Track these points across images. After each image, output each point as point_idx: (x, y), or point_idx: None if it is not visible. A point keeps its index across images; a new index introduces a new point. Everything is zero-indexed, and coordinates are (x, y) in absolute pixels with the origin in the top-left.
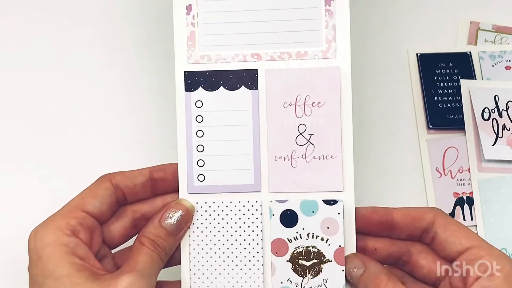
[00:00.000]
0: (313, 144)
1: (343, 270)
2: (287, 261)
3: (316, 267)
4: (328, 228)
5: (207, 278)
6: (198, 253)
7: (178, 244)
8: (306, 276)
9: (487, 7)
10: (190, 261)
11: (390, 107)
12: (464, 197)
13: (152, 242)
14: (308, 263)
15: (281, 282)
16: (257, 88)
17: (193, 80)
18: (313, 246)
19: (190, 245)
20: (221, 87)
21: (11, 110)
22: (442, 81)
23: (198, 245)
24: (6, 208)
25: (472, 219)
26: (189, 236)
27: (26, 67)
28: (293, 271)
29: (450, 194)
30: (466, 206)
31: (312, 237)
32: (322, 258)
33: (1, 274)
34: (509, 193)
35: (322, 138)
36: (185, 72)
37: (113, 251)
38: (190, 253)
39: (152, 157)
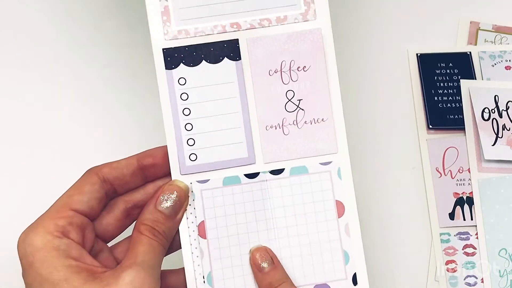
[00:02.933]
0: (303, 109)
1: None
2: None
3: None
4: None
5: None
6: (202, 233)
7: (177, 227)
8: None
9: (487, 7)
10: (191, 244)
11: (390, 107)
12: (464, 197)
13: (151, 229)
14: None
15: None
16: (240, 59)
17: (173, 57)
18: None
19: (189, 227)
20: (203, 61)
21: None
22: (442, 81)
23: (201, 226)
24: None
25: (472, 219)
26: (187, 218)
27: (16, 67)
28: None
29: (450, 194)
30: (466, 206)
31: None
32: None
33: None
34: (509, 193)
35: (312, 102)
36: (163, 49)
37: (110, 243)
38: (190, 235)
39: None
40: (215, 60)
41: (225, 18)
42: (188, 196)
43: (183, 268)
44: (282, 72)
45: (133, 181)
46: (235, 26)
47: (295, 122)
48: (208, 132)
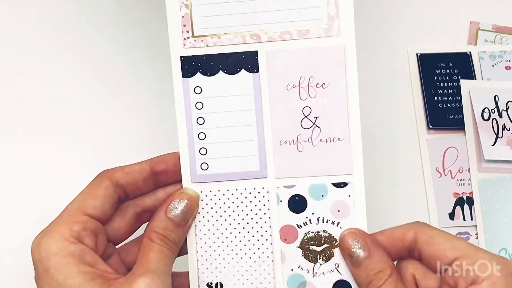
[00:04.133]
0: (319, 127)
1: None
2: (297, 247)
3: (328, 252)
4: (338, 211)
5: (216, 268)
6: (205, 242)
7: (186, 235)
8: (317, 261)
9: (487, 7)
10: (197, 251)
11: (390, 107)
12: (464, 197)
13: (161, 236)
14: (319, 248)
15: (292, 270)
16: (258, 71)
17: (190, 65)
18: (323, 231)
19: (196, 235)
20: (220, 71)
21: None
22: (442, 81)
23: (205, 234)
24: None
25: (472, 219)
26: (195, 226)
27: (25, 67)
28: (304, 258)
29: (450, 194)
30: (466, 206)
31: (323, 222)
32: (334, 242)
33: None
34: (509, 193)
35: (328, 120)
36: (181, 57)
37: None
38: (197, 243)
39: (152, 148)
40: (232, 71)
41: (245, 29)
42: (198, 205)
43: (187, 272)
44: (300, 88)
45: (145, 186)
46: (255, 38)
47: (310, 140)
48: (221, 143)
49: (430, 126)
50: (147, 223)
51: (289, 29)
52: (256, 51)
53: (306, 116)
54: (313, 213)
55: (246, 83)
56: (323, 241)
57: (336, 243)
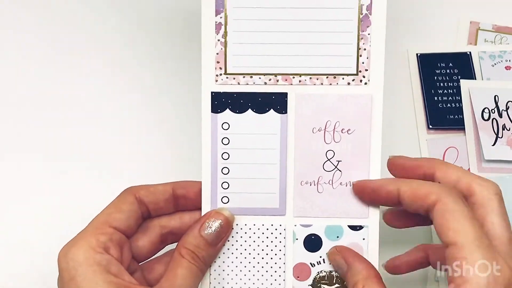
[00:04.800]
0: (340, 171)
1: None
2: (309, 285)
3: None
4: None
5: None
6: (219, 274)
7: (217, 255)
8: None
9: (487, 7)
10: (210, 282)
11: (390, 107)
12: None
13: (192, 253)
14: None
15: None
16: (286, 112)
17: (220, 102)
18: (336, 271)
19: (211, 266)
20: (249, 109)
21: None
22: (442, 81)
23: (219, 266)
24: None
25: None
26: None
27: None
28: None
29: None
30: None
31: None
32: (345, 282)
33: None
34: (509, 193)
35: (350, 165)
36: (212, 92)
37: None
38: (210, 274)
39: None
40: (261, 110)
41: (277, 70)
42: (232, 226)
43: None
44: (326, 132)
45: (166, 207)
46: (285, 80)
47: (330, 182)
48: (243, 179)
49: (430, 126)
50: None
51: (320, 75)
52: (286, 93)
53: (329, 159)
54: (327, 253)
55: (274, 123)
56: (334, 281)
57: None
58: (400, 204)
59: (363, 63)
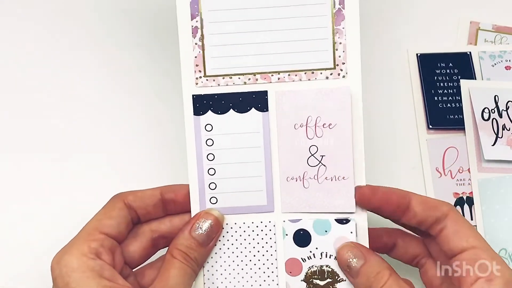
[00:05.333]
0: (324, 165)
1: None
2: (301, 280)
3: (330, 287)
4: None
5: None
6: (213, 274)
7: (208, 255)
8: None
9: (487, 7)
10: (204, 283)
11: (390, 107)
12: (464, 197)
13: (184, 254)
14: (322, 283)
15: None
16: (267, 110)
17: (202, 104)
18: (326, 266)
19: (204, 267)
20: (231, 110)
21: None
22: (442, 81)
23: (212, 266)
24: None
25: (472, 219)
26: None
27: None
28: None
29: (450, 194)
30: (466, 206)
31: (326, 256)
32: (336, 277)
33: None
34: (509, 193)
35: (334, 159)
36: (193, 95)
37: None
38: (204, 275)
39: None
40: (242, 109)
41: (256, 69)
42: (222, 226)
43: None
44: (308, 127)
45: (155, 212)
46: (265, 78)
47: (315, 177)
48: (230, 178)
49: (430, 126)
50: (163, 248)
51: (298, 71)
52: (266, 91)
53: (312, 155)
54: (317, 248)
55: (256, 122)
56: (326, 276)
57: (339, 278)
58: (403, 216)
59: (339, 56)
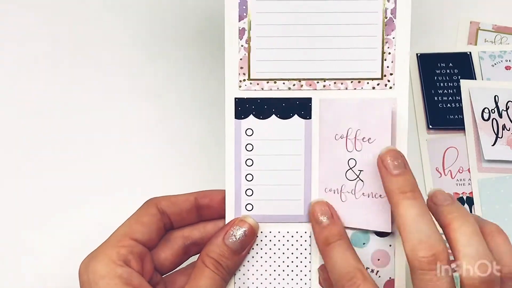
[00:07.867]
0: (362, 181)
1: None
2: None
3: None
4: (378, 260)
5: None
6: (244, 283)
7: (241, 264)
8: None
9: (487, 7)
10: (235, 283)
11: None
12: (464, 197)
13: (215, 262)
14: None
15: None
16: (310, 118)
17: (244, 108)
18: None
19: (235, 275)
20: (273, 115)
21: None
22: (442, 81)
23: (244, 274)
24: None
25: None
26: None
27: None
28: None
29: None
30: (466, 206)
31: None
32: None
33: None
34: (509, 193)
35: (371, 175)
36: (235, 98)
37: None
38: (235, 283)
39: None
40: (285, 115)
41: (301, 75)
42: (256, 234)
43: None
44: (348, 139)
45: (189, 217)
46: (310, 85)
47: (353, 191)
48: (268, 185)
49: (430, 126)
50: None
51: (344, 79)
52: (310, 98)
53: (351, 168)
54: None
55: (298, 129)
56: None
57: None
58: None
59: (387, 67)
